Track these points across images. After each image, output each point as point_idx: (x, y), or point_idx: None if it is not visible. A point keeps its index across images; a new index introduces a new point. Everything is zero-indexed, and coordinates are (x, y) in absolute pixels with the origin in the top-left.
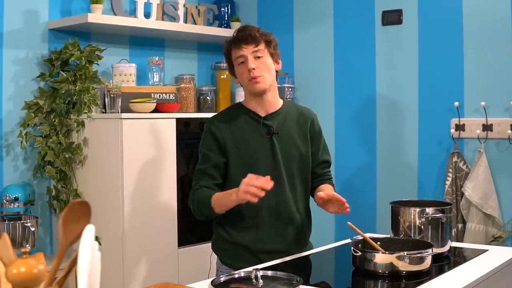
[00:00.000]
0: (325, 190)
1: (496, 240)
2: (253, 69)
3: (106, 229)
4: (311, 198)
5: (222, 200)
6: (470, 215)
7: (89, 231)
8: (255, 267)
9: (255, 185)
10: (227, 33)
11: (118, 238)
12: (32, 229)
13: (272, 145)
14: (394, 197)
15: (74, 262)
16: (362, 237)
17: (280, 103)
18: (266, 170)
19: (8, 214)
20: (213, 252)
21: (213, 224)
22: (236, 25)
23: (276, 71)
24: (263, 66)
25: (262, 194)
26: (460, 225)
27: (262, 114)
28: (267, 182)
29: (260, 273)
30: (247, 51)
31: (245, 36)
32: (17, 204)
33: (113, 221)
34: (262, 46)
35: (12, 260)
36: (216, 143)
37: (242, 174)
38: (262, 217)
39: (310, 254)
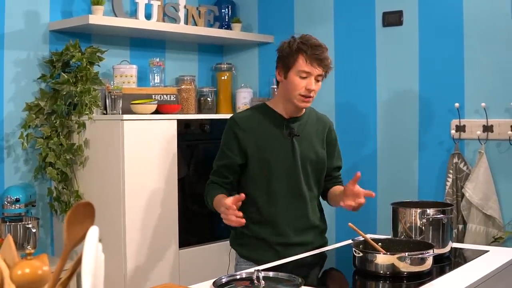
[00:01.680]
0: (339, 189)
1: (496, 241)
2: (312, 90)
3: (107, 230)
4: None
5: (217, 206)
6: (470, 216)
7: (93, 233)
8: (256, 268)
9: (229, 213)
10: (228, 34)
11: (119, 239)
12: (33, 230)
13: (292, 146)
14: (394, 198)
15: (78, 264)
16: (363, 238)
17: (303, 109)
18: (284, 168)
19: (9, 215)
20: (231, 249)
21: None
22: (236, 27)
23: None
24: (317, 89)
25: (235, 223)
26: (460, 226)
27: (286, 117)
28: (238, 216)
29: (262, 274)
30: (316, 72)
31: (322, 59)
32: (18, 205)
33: (114, 222)
34: (325, 72)
35: (16, 261)
36: (236, 143)
37: (262, 171)
38: (279, 213)
39: (311, 255)
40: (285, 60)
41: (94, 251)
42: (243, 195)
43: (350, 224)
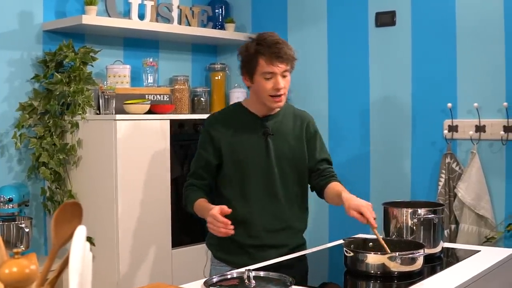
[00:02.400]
0: (336, 189)
1: (488, 241)
2: (282, 88)
3: (100, 230)
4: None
5: (200, 212)
6: (463, 216)
7: (80, 232)
8: (248, 267)
9: (216, 224)
10: (221, 34)
11: (112, 239)
12: (26, 230)
13: (266, 145)
14: (387, 198)
15: (66, 262)
16: (356, 238)
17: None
18: (258, 168)
19: (2, 215)
20: (207, 249)
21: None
22: (230, 27)
23: None
24: (287, 85)
25: (224, 234)
26: (453, 226)
27: (261, 115)
28: (228, 228)
29: (252, 274)
30: (279, 70)
31: (280, 55)
32: (11, 205)
33: (107, 222)
34: (290, 66)
35: (5, 260)
36: (211, 143)
37: (236, 172)
38: (253, 214)
39: (303, 254)
40: (247, 65)
41: (81, 250)
42: (229, 210)
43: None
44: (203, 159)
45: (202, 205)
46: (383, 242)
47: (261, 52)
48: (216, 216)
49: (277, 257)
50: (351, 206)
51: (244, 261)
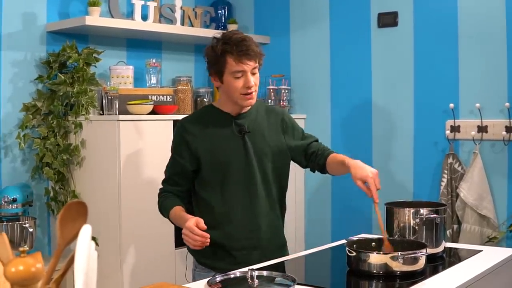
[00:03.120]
0: (337, 159)
1: (491, 241)
2: (251, 86)
3: (104, 230)
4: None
5: (177, 221)
6: (465, 216)
7: (85, 231)
8: (251, 267)
9: (193, 237)
10: None
11: (115, 239)
12: (30, 230)
13: (244, 143)
14: (389, 198)
15: (71, 262)
16: (359, 238)
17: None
18: (238, 168)
19: (6, 215)
20: (188, 253)
21: None
22: (233, 28)
23: None
24: (257, 82)
25: (199, 247)
26: (455, 226)
27: (234, 114)
28: (205, 239)
29: (255, 273)
30: (249, 67)
31: (248, 52)
32: (15, 205)
33: (110, 222)
34: (258, 62)
35: (11, 259)
36: (187, 149)
37: (215, 174)
38: (235, 214)
39: (305, 254)
40: (215, 65)
41: (86, 249)
42: (205, 226)
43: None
44: (178, 166)
45: (178, 214)
46: (381, 223)
47: (228, 51)
48: (193, 228)
49: (262, 259)
50: (357, 176)
51: (228, 265)
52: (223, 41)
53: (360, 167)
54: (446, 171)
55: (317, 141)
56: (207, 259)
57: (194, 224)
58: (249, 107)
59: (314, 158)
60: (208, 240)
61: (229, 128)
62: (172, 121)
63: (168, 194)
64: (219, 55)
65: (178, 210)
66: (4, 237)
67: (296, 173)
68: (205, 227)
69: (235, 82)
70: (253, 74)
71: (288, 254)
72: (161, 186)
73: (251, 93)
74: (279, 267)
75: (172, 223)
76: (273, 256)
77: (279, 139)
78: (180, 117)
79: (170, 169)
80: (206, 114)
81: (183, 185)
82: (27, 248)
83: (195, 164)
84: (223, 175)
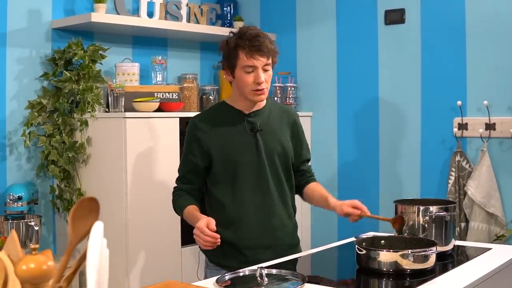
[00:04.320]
0: (319, 191)
1: (499, 239)
2: (263, 82)
3: (110, 228)
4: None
5: (190, 220)
6: (473, 214)
7: (98, 228)
8: (260, 265)
9: (203, 238)
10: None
11: (121, 237)
12: (36, 228)
13: (256, 141)
14: (396, 196)
15: (82, 259)
16: (367, 236)
17: (264, 101)
18: (249, 166)
19: (11, 213)
20: (200, 251)
21: None
22: (239, 25)
23: None
24: (268, 79)
25: (210, 247)
26: (463, 224)
27: (246, 112)
28: (215, 240)
29: (265, 271)
30: (260, 63)
31: (261, 48)
32: (20, 203)
33: (116, 220)
34: (271, 59)
35: (21, 257)
36: (198, 146)
37: (227, 172)
38: (247, 213)
39: (313, 252)
40: (227, 59)
41: (99, 246)
42: (214, 228)
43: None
44: (191, 164)
45: (191, 214)
46: (376, 216)
47: (241, 45)
48: (203, 229)
49: (273, 258)
50: (346, 203)
51: (239, 264)
52: (238, 35)
53: (344, 201)
54: (453, 169)
55: (309, 160)
56: (219, 258)
57: (205, 224)
58: (262, 104)
59: (300, 176)
60: (219, 240)
61: (241, 126)
62: (178, 118)
63: (182, 192)
64: (232, 49)
65: (192, 210)
66: (14, 235)
67: None
68: (215, 228)
69: (246, 77)
70: (265, 70)
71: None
72: (175, 185)
73: (261, 89)
74: (288, 265)
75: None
76: (285, 256)
77: (288, 140)
78: (186, 114)
79: (183, 167)
80: (218, 111)
81: (196, 183)
82: (38, 246)
83: (207, 161)
84: (234, 173)
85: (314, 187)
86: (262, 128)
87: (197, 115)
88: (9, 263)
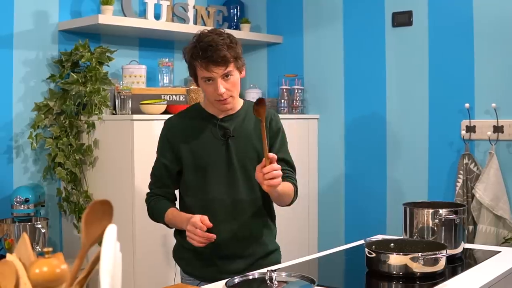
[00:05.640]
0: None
1: (507, 242)
2: (223, 93)
3: (117, 230)
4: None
5: (175, 222)
6: (481, 217)
7: (111, 231)
8: (269, 268)
9: (199, 234)
10: (237, 34)
11: (128, 240)
12: (43, 230)
13: (227, 148)
14: (404, 198)
15: (95, 262)
16: (377, 239)
17: (240, 104)
18: (220, 174)
19: (18, 215)
20: (174, 260)
21: (173, 232)
22: (245, 27)
23: (241, 78)
24: (231, 86)
25: (205, 243)
26: (471, 227)
27: (220, 116)
28: (210, 237)
29: (274, 274)
30: (217, 74)
31: (215, 59)
32: (27, 205)
33: (123, 223)
34: (231, 66)
35: (32, 260)
36: (170, 148)
37: (196, 179)
38: (217, 222)
39: (321, 255)
40: (189, 69)
41: (112, 250)
42: (211, 224)
43: None
44: (163, 167)
45: (178, 214)
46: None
47: (195, 57)
48: (198, 224)
49: (246, 268)
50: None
51: (212, 274)
52: (193, 44)
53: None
54: (461, 172)
55: (287, 161)
56: (193, 268)
57: (199, 220)
58: (237, 108)
59: None
60: (214, 236)
61: (213, 131)
62: None
63: (159, 197)
64: (189, 59)
65: (175, 211)
66: (25, 238)
67: (310, 174)
68: (211, 224)
69: (206, 87)
70: (227, 79)
71: (279, 261)
72: (148, 191)
73: (224, 99)
74: (297, 268)
75: (168, 226)
76: (261, 265)
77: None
78: None
79: (156, 171)
80: (192, 115)
81: (171, 186)
82: (51, 249)
83: (179, 164)
84: (204, 179)
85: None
86: (234, 134)
87: (172, 116)
88: (21, 266)
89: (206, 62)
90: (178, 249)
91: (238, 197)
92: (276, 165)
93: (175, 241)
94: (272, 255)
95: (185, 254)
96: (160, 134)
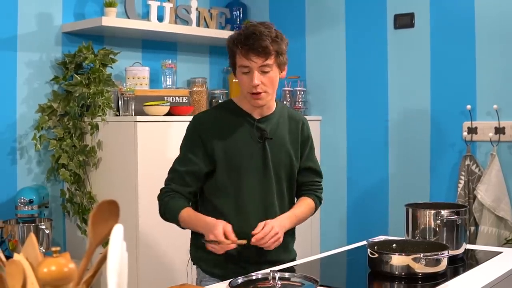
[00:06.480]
0: (297, 204)
1: (508, 243)
2: (257, 85)
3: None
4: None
5: (192, 223)
6: (482, 218)
7: (118, 231)
8: (272, 268)
9: (218, 246)
10: None
11: (132, 240)
12: (47, 231)
13: (263, 150)
14: (406, 199)
15: (101, 262)
16: (379, 240)
17: (274, 105)
18: (255, 175)
19: (22, 216)
20: (189, 262)
21: (192, 232)
22: None
23: (280, 78)
24: (268, 81)
25: (221, 252)
26: (472, 228)
27: (257, 116)
28: (229, 246)
29: (277, 274)
30: (255, 64)
31: (256, 47)
32: (31, 206)
33: (127, 224)
34: (271, 59)
35: (39, 260)
36: (202, 149)
37: (231, 180)
38: (250, 226)
39: (324, 256)
40: (229, 58)
41: (119, 249)
42: (234, 238)
43: None
44: (191, 164)
45: (196, 216)
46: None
47: (237, 43)
48: (221, 238)
49: None
50: (268, 221)
51: (236, 274)
52: (239, 31)
53: (278, 220)
54: (463, 173)
55: (315, 170)
56: (215, 267)
57: (222, 231)
58: (272, 109)
59: (299, 187)
60: (233, 246)
61: (249, 132)
62: (188, 122)
63: (175, 194)
64: (231, 46)
65: (192, 212)
66: (33, 238)
67: None
68: (234, 238)
69: (242, 78)
70: (264, 72)
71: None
72: (165, 186)
73: (257, 93)
74: (299, 269)
75: (180, 226)
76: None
77: (297, 148)
78: None
79: (180, 167)
80: (225, 111)
81: (192, 186)
82: (59, 248)
83: (210, 165)
84: (239, 181)
85: (297, 201)
86: (272, 137)
87: (202, 112)
88: (28, 266)
89: (246, 50)
90: (200, 250)
91: (270, 201)
92: (266, 230)
93: (190, 241)
94: (292, 262)
95: (209, 256)
96: (188, 130)
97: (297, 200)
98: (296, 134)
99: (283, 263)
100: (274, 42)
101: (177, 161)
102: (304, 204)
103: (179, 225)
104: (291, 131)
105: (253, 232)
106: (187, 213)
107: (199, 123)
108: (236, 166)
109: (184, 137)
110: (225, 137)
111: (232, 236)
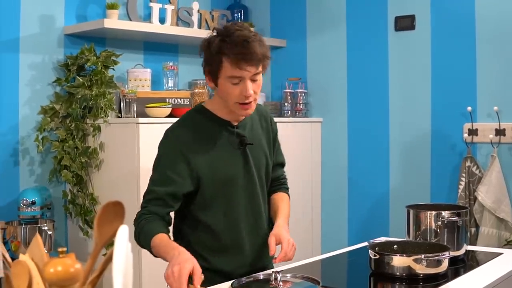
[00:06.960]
0: (277, 204)
1: (509, 244)
2: (250, 95)
3: None
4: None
5: (162, 252)
6: (483, 219)
7: (123, 231)
8: (274, 269)
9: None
10: None
11: (134, 243)
12: (49, 232)
13: (245, 156)
14: (407, 201)
15: (106, 262)
16: (380, 241)
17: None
18: (241, 185)
19: (25, 217)
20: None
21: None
22: None
23: None
24: (257, 88)
25: None
26: (473, 229)
27: (234, 122)
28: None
29: (280, 275)
30: (248, 74)
31: (250, 57)
32: (33, 208)
33: (129, 226)
34: (261, 67)
35: (45, 261)
36: (186, 167)
37: (218, 193)
38: (243, 238)
39: (325, 258)
40: (209, 65)
41: (124, 250)
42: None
43: None
44: (173, 185)
45: (168, 245)
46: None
47: (225, 52)
48: (182, 282)
49: None
50: (274, 233)
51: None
52: (222, 37)
53: (283, 229)
54: (464, 174)
55: (283, 165)
56: (209, 283)
57: (187, 273)
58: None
59: (271, 182)
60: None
61: (229, 140)
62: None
63: (153, 216)
64: (215, 54)
65: (166, 238)
66: (38, 239)
67: (313, 176)
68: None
69: (231, 88)
70: (254, 81)
71: None
72: (144, 206)
73: (249, 103)
74: (301, 270)
75: (151, 252)
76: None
77: (270, 146)
78: None
79: (161, 187)
80: (202, 121)
81: (174, 206)
82: (65, 249)
83: (195, 183)
84: (227, 195)
85: (276, 199)
86: (252, 142)
87: (177, 126)
88: (34, 267)
89: (239, 59)
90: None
91: (259, 209)
92: (286, 247)
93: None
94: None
95: (202, 269)
96: (166, 146)
97: (269, 194)
98: (268, 130)
99: (270, 268)
100: (263, 46)
101: (155, 181)
102: (285, 200)
103: (150, 250)
104: (263, 128)
105: (271, 253)
106: (160, 238)
107: (175, 137)
108: (221, 178)
109: (160, 154)
110: (207, 150)
111: (198, 282)
